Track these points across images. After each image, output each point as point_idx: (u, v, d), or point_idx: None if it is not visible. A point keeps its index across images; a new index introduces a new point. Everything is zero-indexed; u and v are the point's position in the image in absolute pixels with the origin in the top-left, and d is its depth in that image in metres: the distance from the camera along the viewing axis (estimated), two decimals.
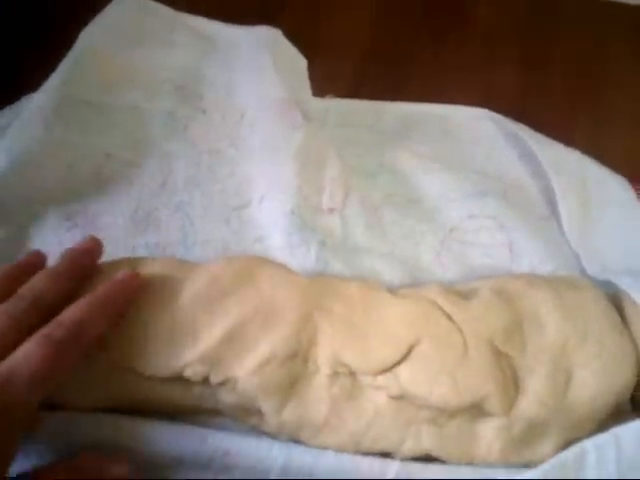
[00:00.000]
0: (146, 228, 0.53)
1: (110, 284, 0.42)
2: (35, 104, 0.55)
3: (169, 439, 0.42)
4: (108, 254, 0.51)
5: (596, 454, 0.41)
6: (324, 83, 0.61)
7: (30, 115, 0.54)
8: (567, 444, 0.43)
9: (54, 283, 0.41)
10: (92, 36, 0.59)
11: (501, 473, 0.42)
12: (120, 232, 0.53)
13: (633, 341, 0.45)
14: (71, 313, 0.39)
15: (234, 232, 0.53)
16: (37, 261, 0.44)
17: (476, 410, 0.42)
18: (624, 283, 0.48)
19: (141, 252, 0.52)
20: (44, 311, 0.39)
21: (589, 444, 0.42)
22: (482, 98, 0.62)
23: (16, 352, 0.36)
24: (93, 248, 0.45)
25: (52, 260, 0.48)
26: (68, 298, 0.41)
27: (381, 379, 0.43)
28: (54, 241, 0.51)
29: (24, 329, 0.37)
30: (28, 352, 0.36)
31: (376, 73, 0.66)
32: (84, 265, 0.44)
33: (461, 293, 0.47)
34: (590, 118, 0.62)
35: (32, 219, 0.53)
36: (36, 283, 0.41)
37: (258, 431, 0.44)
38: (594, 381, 0.43)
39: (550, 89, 0.65)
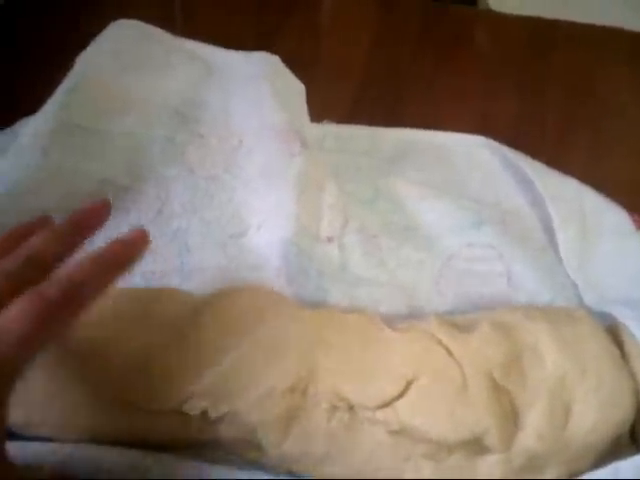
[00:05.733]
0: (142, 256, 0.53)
1: (115, 243, 0.40)
2: (32, 130, 0.55)
3: (166, 472, 0.42)
4: None
5: None
6: (321, 107, 0.61)
7: (27, 141, 0.54)
8: (566, 478, 0.43)
9: (55, 241, 0.39)
10: (89, 61, 0.59)
11: None
12: None
13: (632, 375, 0.45)
14: (68, 271, 0.37)
15: (231, 260, 0.53)
16: (43, 222, 0.43)
17: (475, 445, 0.42)
18: (622, 314, 0.48)
19: (137, 281, 0.51)
20: (42, 269, 0.37)
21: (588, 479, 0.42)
22: (479, 124, 0.62)
23: (7, 309, 0.34)
24: (99, 209, 0.43)
25: None
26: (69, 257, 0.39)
27: (380, 414, 0.42)
28: None
29: (20, 287, 0.35)
30: (18, 310, 0.34)
31: (373, 97, 0.66)
32: (89, 225, 0.42)
33: (460, 326, 0.46)
34: (588, 146, 0.62)
35: None
36: (35, 241, 0.39)
37: (257, 464, 0.44)
38: (593, 415, 0.43)
39: (548, 116, 0.65)
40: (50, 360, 0.44)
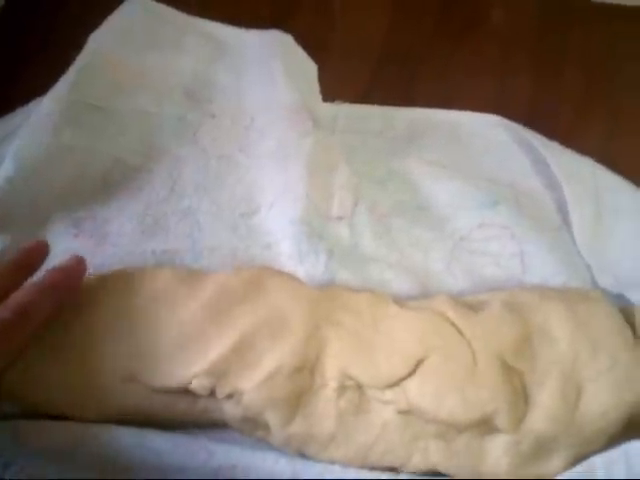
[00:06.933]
0: (154, 235, 0.53)
1: (55, 270, 0.45)
2: (44, 109, 0.54)
3: (176, 451, 0.42)
4: (116, 261, 0.51)
5: (605, 470, 0.40)
6: (335, 87, 0.60)
7: (38, 120, 0.54)
8: (577, 460, 0.42)
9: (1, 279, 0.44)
10: (101, 39, 0.59)
11: None
12: (128, 239, 0.53)
13: None
14: (17, 297, 0.42)
15: (242, 239, 0.53)
16: None
17: (485, 425, 0.42)
18: (636, 297, 0.47)
19: (149, 259, 0.52)
20: None
21: (598, 460, 0.41)
22: (495, 104, 0.61)
23: None
24: (38, 251, 0.47)
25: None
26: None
27: (389, 393, 0.42)
28: (61, 248, 0.50)
29: None
30: None
31: (388, 76, 0.65)
32: (30, 265, 0.46)
33: (471, 305, 0.46)
34: (605, 125, 0.61)
35: (39, 226, 0.53)
36: None
37: (264, 443, 0.44)
38: (605, 396, 0.43)
39: (563, 95, 0.63)
40: (59, 341, 0.44)
